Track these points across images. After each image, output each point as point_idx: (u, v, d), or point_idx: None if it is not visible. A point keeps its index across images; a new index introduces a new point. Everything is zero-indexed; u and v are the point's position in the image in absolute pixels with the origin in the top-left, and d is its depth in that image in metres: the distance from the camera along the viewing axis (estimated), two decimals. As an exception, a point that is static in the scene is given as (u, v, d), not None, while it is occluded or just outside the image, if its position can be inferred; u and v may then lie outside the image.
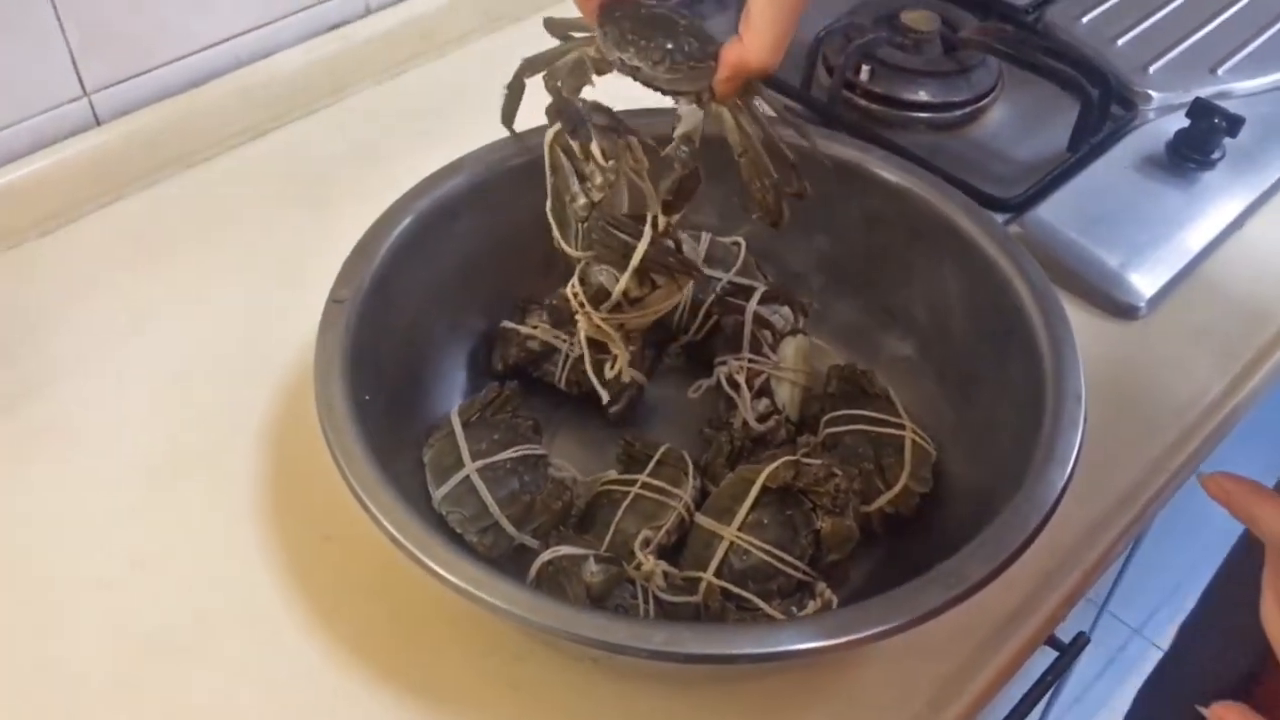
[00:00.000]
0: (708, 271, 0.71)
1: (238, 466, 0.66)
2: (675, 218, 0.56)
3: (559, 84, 0.58)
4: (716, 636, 0.49)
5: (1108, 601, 0.99)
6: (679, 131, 0.56)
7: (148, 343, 0.73)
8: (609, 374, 0.61)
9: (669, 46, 0.55)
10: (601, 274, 0.56)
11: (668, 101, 0.58)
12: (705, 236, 0.72)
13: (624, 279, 0.56)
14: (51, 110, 0.79)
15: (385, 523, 0.50)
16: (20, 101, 0.77)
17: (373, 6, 0.93)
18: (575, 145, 0.55)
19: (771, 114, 0.60)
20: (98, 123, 0.81)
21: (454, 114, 0.89)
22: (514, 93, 0.63)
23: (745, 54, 0.53)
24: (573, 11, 0.59)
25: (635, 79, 0.57)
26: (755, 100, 0.58)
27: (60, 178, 0.79)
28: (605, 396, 0.63)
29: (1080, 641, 0.69)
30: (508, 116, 0.65)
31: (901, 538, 0.62)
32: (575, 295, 0.58)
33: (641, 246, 0.55)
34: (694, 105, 0.56)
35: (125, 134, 0.81)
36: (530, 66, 0.61)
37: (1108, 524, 0.65)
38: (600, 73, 0.58)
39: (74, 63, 0.78)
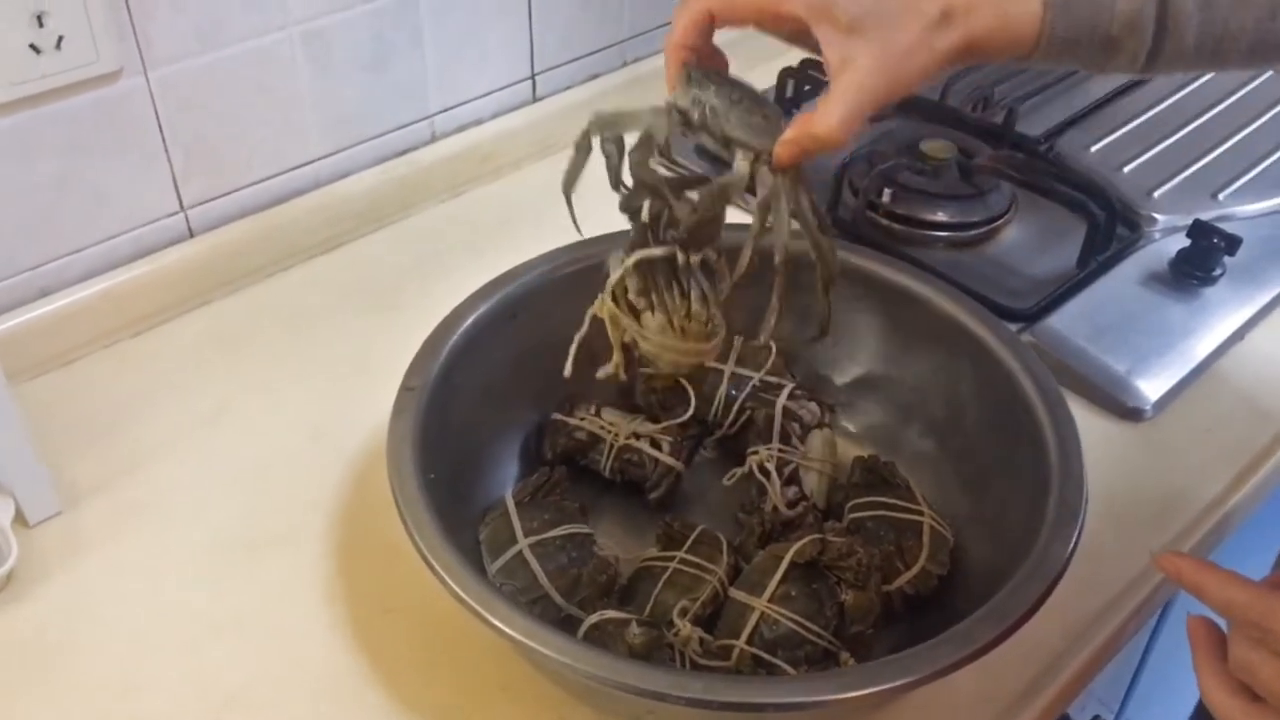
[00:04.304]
0: (739, 371, 0.77)
1: (308, 544, 0.72)
2: (695, 257, 0.57)
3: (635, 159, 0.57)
4: (748, 687, 0.54)
5: (1126, 701, 1.01)
6: (719, 180, 0.56)
7: (230, 430, 0.80)
8: (601, 375, 0.61)
9: (750, 93, 0.57)
10: (615, 263, 0.58)
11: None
12: (737, 340, 0.78)
13: (624, 266, 0.57)
14: (152, 224, 0.87)
15: (451, 582, 0.56)
16: (125, 216, 0.86)
17: (438, 134, 1.03)
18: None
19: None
20: (191, 235, 0.90)
21: (509, 229, 0.99)
22: (580, 153, 0.59)
23: (814, 120, 0.53)
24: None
25: (706, 126, 0.56)
26: (808, 197, 0.57)
27: (155, 284, 0.87)
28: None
29: (1096, 724, 0.72)
30: (570, 180, 0.60)
31: (922, 617, 0.66)
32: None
33: (652, 252, 0.57)
34: (748, 165, 0.55)
35: (215, 245, 0.90)
36: (599, 125, 0.58)
37: (1116, 608, 0.69)
38: (663, 148, 0.57)
39: (175, 182, 0.87)
